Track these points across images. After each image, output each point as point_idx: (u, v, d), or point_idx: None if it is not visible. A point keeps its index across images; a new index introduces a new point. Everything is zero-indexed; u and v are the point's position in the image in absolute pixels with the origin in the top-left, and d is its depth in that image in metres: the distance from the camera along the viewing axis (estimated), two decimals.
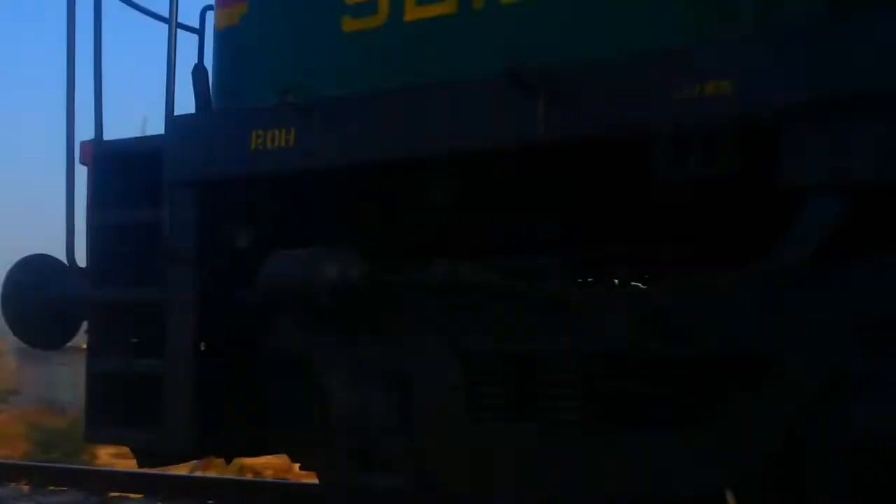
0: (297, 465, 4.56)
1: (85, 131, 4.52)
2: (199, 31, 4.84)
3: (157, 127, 4.24)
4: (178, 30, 4.12)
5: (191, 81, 4.33)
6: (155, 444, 4.28)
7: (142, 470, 5.28)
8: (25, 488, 6.81)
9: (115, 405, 4.34)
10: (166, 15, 4.23)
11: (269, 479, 8.28)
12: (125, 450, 5.39)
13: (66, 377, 19.32)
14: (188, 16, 4.73)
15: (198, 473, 7.95)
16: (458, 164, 3.40)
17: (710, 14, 3.04)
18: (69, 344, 4.89)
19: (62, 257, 4.59)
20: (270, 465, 10.08)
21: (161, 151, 4.02)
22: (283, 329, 3.89)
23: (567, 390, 3.28)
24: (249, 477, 8.94)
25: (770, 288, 2.90)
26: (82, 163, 4.48)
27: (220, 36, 4.25)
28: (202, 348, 4.15)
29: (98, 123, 4.50)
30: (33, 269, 4.75)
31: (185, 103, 4.29)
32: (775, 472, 2.98)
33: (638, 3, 3.17)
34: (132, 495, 6.08)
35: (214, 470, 8.32)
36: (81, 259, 4.48)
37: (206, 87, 4.02)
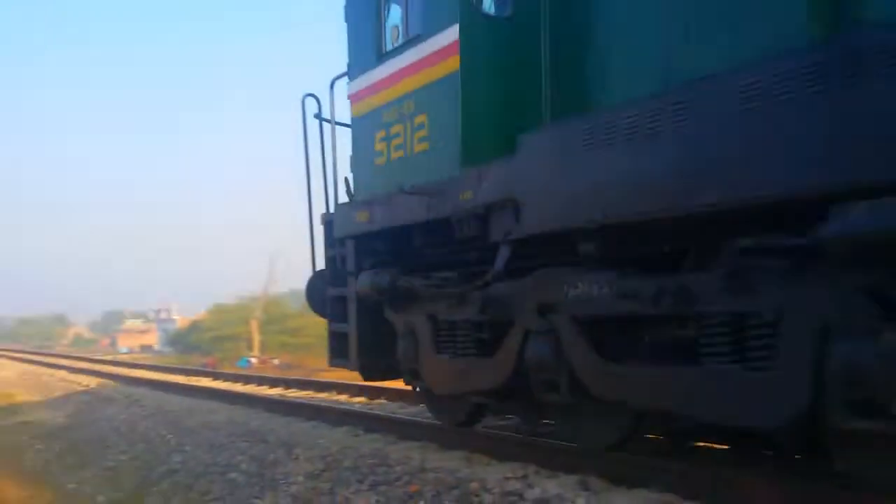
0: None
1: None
2: None
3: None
4: None
5: None
6: (350, 369, 8.38)
7: None
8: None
9: (340, 347, 8.52)
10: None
11: None
12: None
13: None
14: None
15: None
16: (416, 227, 6.90)
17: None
18: None
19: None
20: None
21: (332, 221, 8.12)
22: (385, 308, 7.69)
23: (466, 337, 6.62)
24: None
25: (509, 289, 6.01)
26: (321, 224, 8.78)
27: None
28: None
29: (326, 201, 8.75)
30: (321, 275, 9.21)
31: None
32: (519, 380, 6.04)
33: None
34: None
35: None
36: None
37: (349, 190, 7.97)
